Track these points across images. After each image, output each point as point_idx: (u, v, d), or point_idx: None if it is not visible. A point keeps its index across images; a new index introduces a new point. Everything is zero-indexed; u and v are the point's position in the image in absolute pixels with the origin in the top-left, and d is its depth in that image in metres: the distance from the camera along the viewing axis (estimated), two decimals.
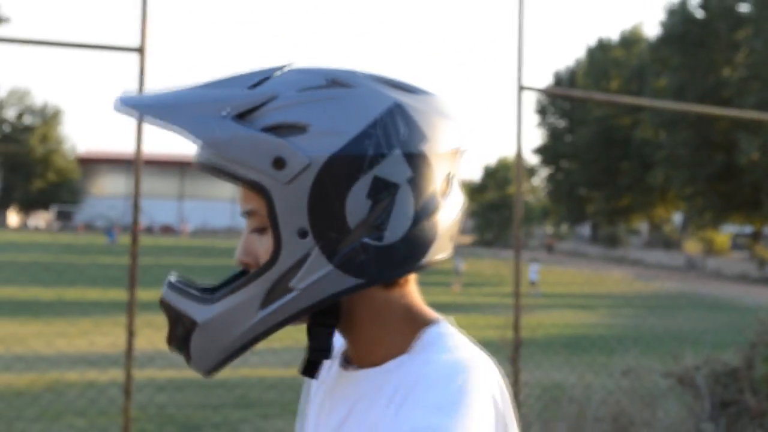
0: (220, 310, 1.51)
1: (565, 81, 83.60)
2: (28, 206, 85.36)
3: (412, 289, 1.62)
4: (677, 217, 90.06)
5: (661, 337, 19.11)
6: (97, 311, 19.78)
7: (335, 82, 1.51)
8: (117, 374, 12.72)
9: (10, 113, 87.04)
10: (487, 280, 40.34)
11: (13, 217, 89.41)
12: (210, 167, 1.49)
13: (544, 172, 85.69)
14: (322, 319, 1.56)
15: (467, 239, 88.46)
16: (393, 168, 1.48)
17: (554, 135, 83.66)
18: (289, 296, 1.49)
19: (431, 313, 1.64)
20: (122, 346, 12.00)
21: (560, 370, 10.46)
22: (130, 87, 6.18)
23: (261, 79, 1.53)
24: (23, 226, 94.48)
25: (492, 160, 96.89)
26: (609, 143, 75.57)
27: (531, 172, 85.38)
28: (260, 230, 1.55)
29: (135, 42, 6.17)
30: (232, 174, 1.47)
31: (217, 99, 1.47)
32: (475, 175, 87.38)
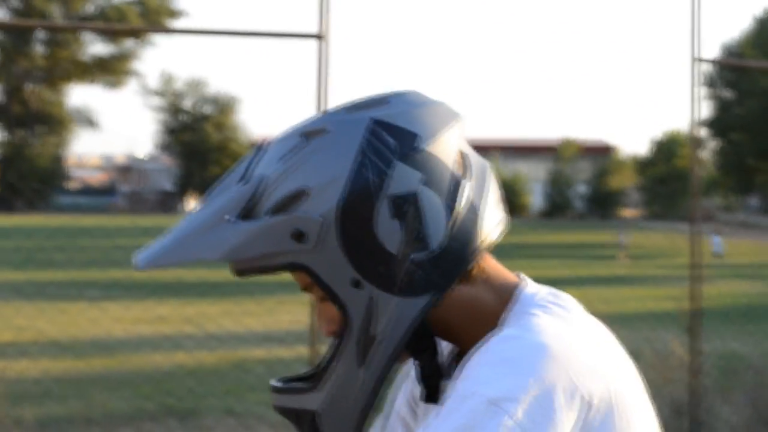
0: (329, 390, 1.51)
1: (733, 52, 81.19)
2: (206, 192, 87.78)
3: (488, 264, 1.58)
4: None
5: None
6: (280, 290, 20.23)
7: (308, 134, 1.49)
8: (302, 350, 13.11)
9: (188, 103, 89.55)
10: (662, 252, 39.72)
11: (192, 203, 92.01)
12: (243, 271, 1.48)
13: (712, 144, 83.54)
14: (419, 345, 1.55)
15: (635, 213, 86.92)
16: (402, 180, 1.44)
17: (722, 107, 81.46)
18: (378, 345, 1.47)
19: (514, 279, 1.61)
20: (305, 322, 12.46)
21: (738, 339, 10.41)
22: (311, 74, 6.32)
23: (246, 168, 1.52)
24: None
25: (660, 133, 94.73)
26: None
27: (699, 144, 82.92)
28: (325, 298, 1.53)
29: (315, 29, 6.36)
30: (265, 267, 1.46)
31: (215, 211, 1.47)
32: (643, 149, 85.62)
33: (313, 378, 1.57)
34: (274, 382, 1.58)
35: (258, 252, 1.44)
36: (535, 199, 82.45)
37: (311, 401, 1.52)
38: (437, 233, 1.46)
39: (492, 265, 1.58)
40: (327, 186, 1.43)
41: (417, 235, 1.44)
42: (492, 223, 1.53)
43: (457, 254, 1.48)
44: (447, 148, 1.50)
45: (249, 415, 10.99)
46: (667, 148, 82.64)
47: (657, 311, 12.11)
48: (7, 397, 9.10)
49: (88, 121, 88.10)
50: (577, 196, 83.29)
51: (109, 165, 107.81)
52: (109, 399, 11.96)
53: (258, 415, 10.88)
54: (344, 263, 1.43)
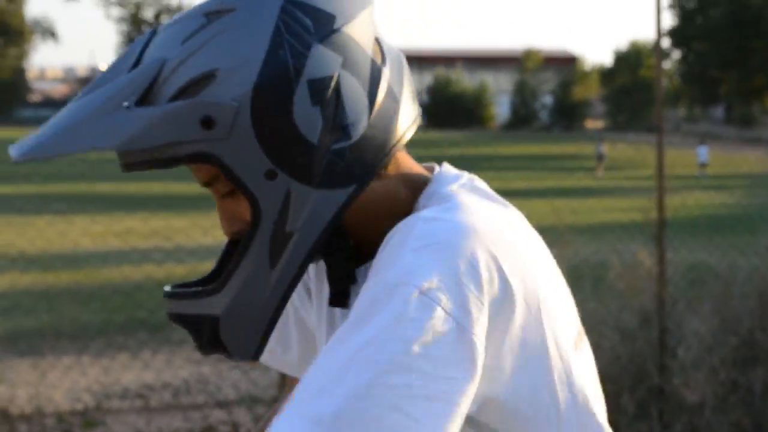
0: (234, 291, 1.37)
1: None
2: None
3: (402, 159, 1.48)
4: None
5: None
6: None
7: (212, 13, 1.34)
8: None
9: (149, 13, 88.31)
10: (628, 163, 39.94)
11: None
12: (142, 163, 1.33)
13: (674, 55, 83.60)
14: (333, 245, 1.42)
15: (599, 124, 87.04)
16: (320, 63, 1.33)
17: (684, 16, 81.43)
18: (292, 242, 1.36)
19: (426, 172, 1.51)
20: None
21: (704, 249, 10.51)
22: None
23: (139, 54, 1.37)
24: None
25: (623, 43, 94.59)
26: (740, 23, 73.38)
27: (663, 54, 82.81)
28: (231, 193, 1.41)
29: None
30: (170, 158, 1.31)
31: (110, 96, 1.30)
32: (607, 59, 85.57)
33: (213, 281, 1.45)
34: (166, 288, 1.43)
35: (162, 140, 1.29)
36: (502, 110, 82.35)
37: (212, 306, 1.38)
38: (358, 121, 1.35)
39: (406, 160, 1.49)
40: (238, 68, 1.31)
41: (338, 123, 1.34)
42: (410, 117, 1.43)
43: (379, 144, 1.38)
44: (365, 31, 1.39)
45: None
46: (631, 59, 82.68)
47: (625, 222, 12.17)
48: None
49: (47, 32, 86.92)
50: (542, 108, 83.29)
51: (70, 77, 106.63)
52: (78, 312, 11.96)
53: None
54: (258, 153, 1.31)
